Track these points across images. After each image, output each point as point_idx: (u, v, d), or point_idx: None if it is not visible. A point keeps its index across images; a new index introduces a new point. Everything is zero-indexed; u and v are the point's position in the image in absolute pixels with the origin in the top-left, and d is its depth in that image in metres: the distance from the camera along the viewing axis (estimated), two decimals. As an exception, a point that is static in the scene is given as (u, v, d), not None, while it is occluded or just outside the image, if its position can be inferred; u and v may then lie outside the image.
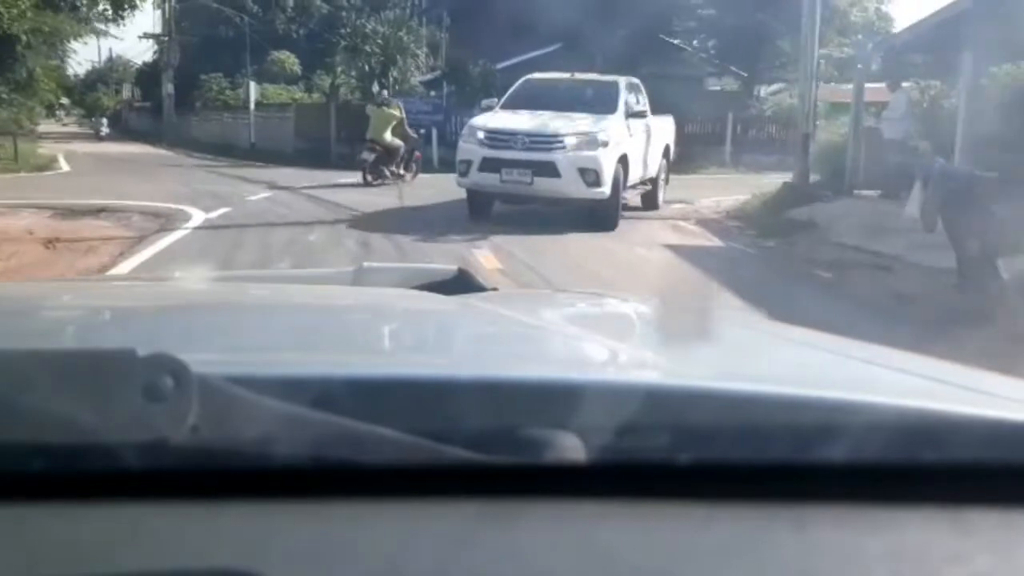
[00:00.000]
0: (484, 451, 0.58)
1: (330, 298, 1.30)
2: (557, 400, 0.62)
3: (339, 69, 25.37)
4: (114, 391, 0.54)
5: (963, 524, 0.59)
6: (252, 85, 28.09)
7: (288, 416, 0.56)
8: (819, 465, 0.61)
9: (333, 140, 23.20)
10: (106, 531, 0.54)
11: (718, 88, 27.62)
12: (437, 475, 0.58)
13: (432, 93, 23.37)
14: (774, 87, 27.82)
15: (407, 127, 16.01)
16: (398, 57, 22.89)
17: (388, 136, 15.39)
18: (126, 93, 55.10)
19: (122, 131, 46.73)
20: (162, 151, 29.70)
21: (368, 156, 15.11)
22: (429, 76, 25.50)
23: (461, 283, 1.32)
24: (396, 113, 15.81)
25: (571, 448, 0.59)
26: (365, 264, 1.48)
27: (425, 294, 1.25)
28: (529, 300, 1.59)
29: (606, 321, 1.25)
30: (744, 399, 0.66)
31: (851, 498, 0.60)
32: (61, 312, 1.13)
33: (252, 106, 27.57)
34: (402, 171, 15.57)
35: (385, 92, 22.31)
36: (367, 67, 23.13)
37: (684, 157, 19.39)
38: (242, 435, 0.56)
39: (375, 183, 14.95)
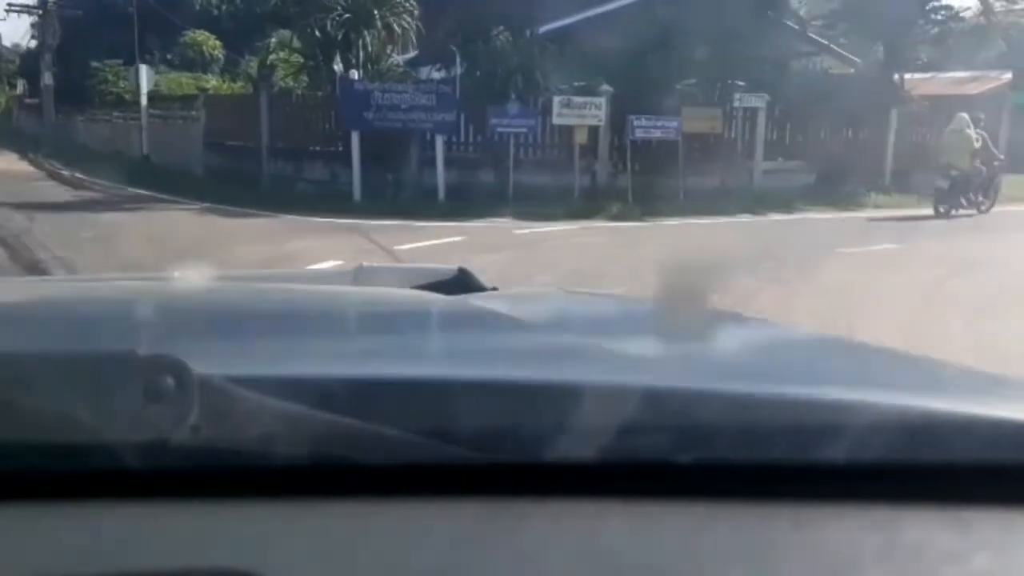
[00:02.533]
0: (484, 451, 0.58)
1: (330, 298, 1.29)
2: (557, 400, 0.63)
3: (273, 40, 16.20)
4: (115, 391, 0.55)
5: (963, 524, 0.59)
6: (143, 70, 19.03)
7: (289, 416, 0.57)
8: (819, 465, 0.61)
9: (264, 153, 14.13)
10: (106, 531, 0.54)
11: (839, 71, 19.06)
12: (437, 475, 0.58)
13: (435, 74, 14.35)
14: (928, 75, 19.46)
15: (992, 148, 14.04)
16: (375, 14, 13.80)
17: (969, 161, 13.50)
18: (20, 87, 45.34)
19: (9, 134, 37.56)
20: (25, 167, 20.66)
21: (943, 183, 13.44)
22: (412, 53, 16.48)
23: (461, 283, 1.30)
24: (974, 136, 13.70)
25: (571, 448, 0.59)
26: (365, 264, 1.49)
27: (425, 294, 1.23)
28: (529, 300, 1.43)
29: (606, 321, 1.22)
30: (744, 399, 0.66)
31: (851, 497, 0.60)
32: (61, 312, 1.11)
33: (144, 100, 18.45)
34: (980, 197, 13.85)
35: (355, 72, 13.33)
36: (318, 33, 14.02)
37: (828, 179, 14.67)
38: (243, 435, 0.56)
39: (950, 214, 13.30)
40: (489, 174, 13.21)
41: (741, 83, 14.50)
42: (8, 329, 0.94)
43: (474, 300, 1.19)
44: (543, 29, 14.71)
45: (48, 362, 0.58)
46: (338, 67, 13.49)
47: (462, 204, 11.91)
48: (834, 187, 14.65)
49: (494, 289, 1.33)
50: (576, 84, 13.69)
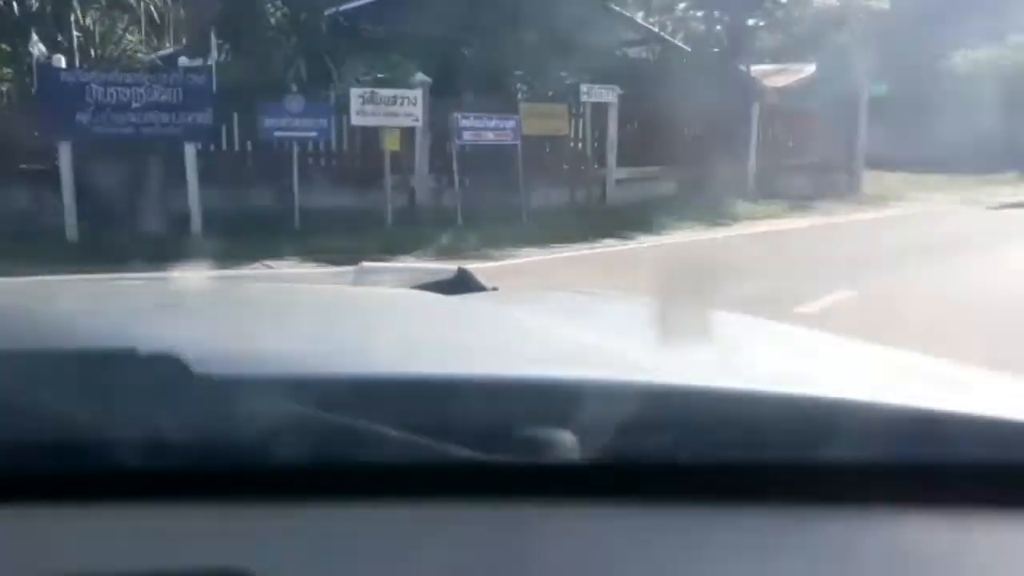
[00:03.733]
0: (484, 451, 0.58)
1: (331, 298, 1.28)
2: (557, 400, 0.62)
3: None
4: (116, 391, 0.55)
5: (963, 524, 0.59)
6: None
7: (289, 416, 0.57)
8: (819, 465, 0.61)
9: (-66, 176, 9.84)
10: (106, 531, 0.54)
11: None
12: (437, 474, 0.58)
13: (183, 60, 10.51)
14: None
15: None
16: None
17: None
18: None
19: None
20: None
21: None
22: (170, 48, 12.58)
23: (461, 283, 1.29)
24: None
25: (571, 448, 0.58)
26: (366, 264, 1.49)
27: (426, 294, 1.22)
28: (529, 300, 1.45)
29: (606, 321, 1.20)
30: (744, 399, 0.66)
31: (851, 498, 0.60)
32: (61, 312, 1.10)
33: None
34: None
35: (62, 58, 9.44)
36: (16, 7, 9.97)
37: (687, 186, 12.07)
38: (243, 435, 0.56)
39: None
40: (265, 195, 9.62)
41: (569, 77, 11.72)
42: (9, 329, 0.92)
43: (474, 300, 1.20)
44: (336, 9, 11.23)
45: (49, 362, 0.58)
46: (38, 50, 9.50)
47: (226, 241, 8.25)
48: (697, 197, 12.17)
49: (494, 289, 1.30)
50: (380, 76, 10.37)
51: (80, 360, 0.58)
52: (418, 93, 9.97)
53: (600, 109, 11.75)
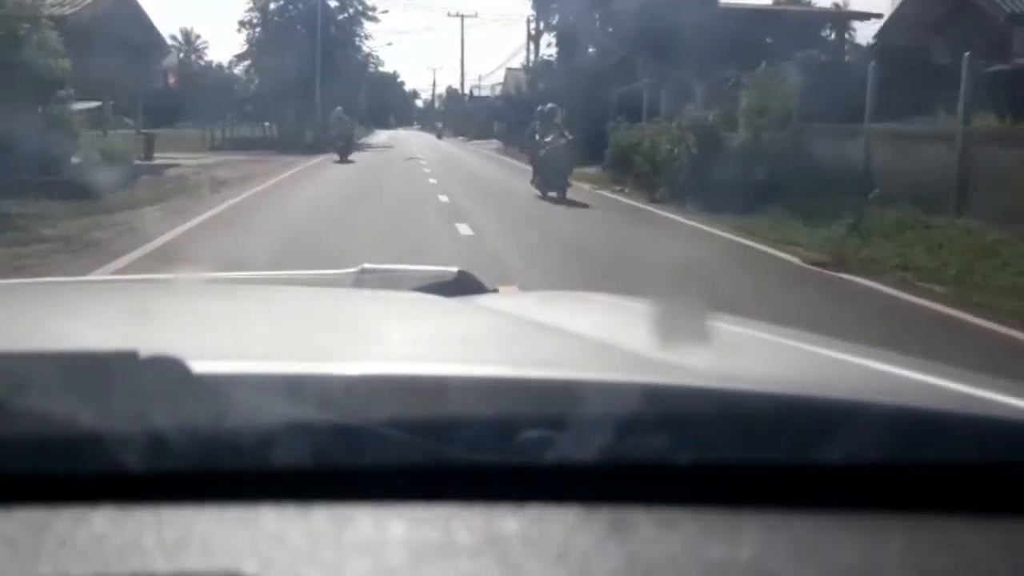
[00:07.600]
0: (484, 452, 0.59)
1: (331, 300, 1.30)
2: (557, 400, 0.64)
3: None
4: (115, 392, 0.56)
5: (962, 525, 0.60)
6: None
7: (289, 417, 0.58)
8: (818, 466, 0.63)
9: None
10: (106, 532, 0.54)
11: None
12: (437, 476, 0.59)
13: None
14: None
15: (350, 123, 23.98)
16: None
17: (350, 131, 21.21)
18: None
19: None
20: None
21: (342, 144, 24.10)
22: None
23: (462, 285, 1.33)
24: (347, 118, 23.41)
25: (571, 448, 0.60)
26: (366, 265, 1.46)
27: (426, 296, 1.25)
28: (530, 301, 1.50)
29: (606, 321, 1.22)
30: (744, 399, 0.67)
31: (849, 498, 0.61)
32: (62, 312, 1.08)
33: None
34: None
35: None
36: None
37: None
38: (243, 436, 0.57)
39: (348, 159, 23.00)
40: None
41: None
42: (8, 329, 0.92)
43: (475, 302, 1.21)
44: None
45: (48, 362, 0.58)
46: None
47: None
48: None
49: (495, 291, 1.33)
50: None
51: (80, 360, 0.57)
52: None
53: None
